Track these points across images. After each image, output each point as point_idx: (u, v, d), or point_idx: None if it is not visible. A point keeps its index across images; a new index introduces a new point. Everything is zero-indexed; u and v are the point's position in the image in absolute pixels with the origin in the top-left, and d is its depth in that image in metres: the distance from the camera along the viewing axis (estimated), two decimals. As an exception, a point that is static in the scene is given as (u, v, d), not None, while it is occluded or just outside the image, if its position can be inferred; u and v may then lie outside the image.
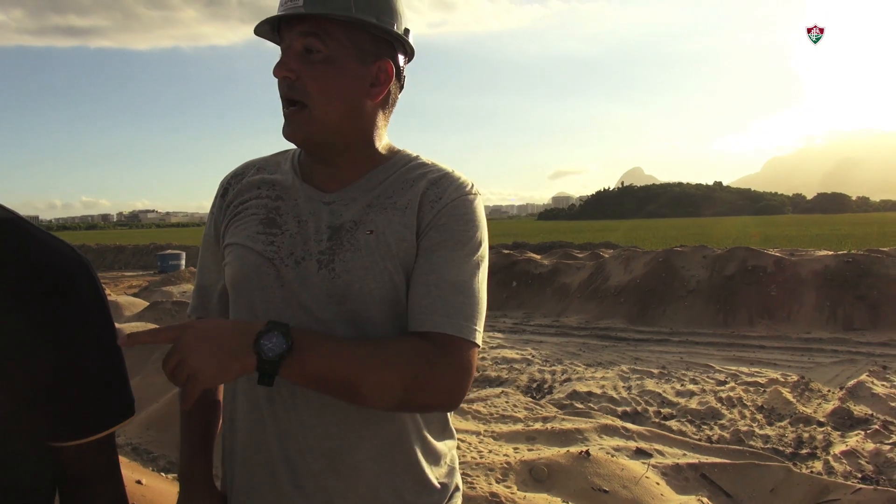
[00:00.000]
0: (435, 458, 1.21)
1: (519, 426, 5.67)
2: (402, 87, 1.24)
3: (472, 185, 1.21)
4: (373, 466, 1.14)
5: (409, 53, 1.23)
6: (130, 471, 4.34)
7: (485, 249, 1.18)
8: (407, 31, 1.19)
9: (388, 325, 1.13)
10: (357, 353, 1.03)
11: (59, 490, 1.07)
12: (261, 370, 0.97)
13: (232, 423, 1.23)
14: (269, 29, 1.17)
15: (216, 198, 1.31)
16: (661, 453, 5.07)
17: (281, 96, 1.15)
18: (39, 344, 0.96)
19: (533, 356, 9.18)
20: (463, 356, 1.08)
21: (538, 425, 5.62)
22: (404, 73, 1.23)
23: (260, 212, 1.22)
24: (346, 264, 1.12)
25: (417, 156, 1.25)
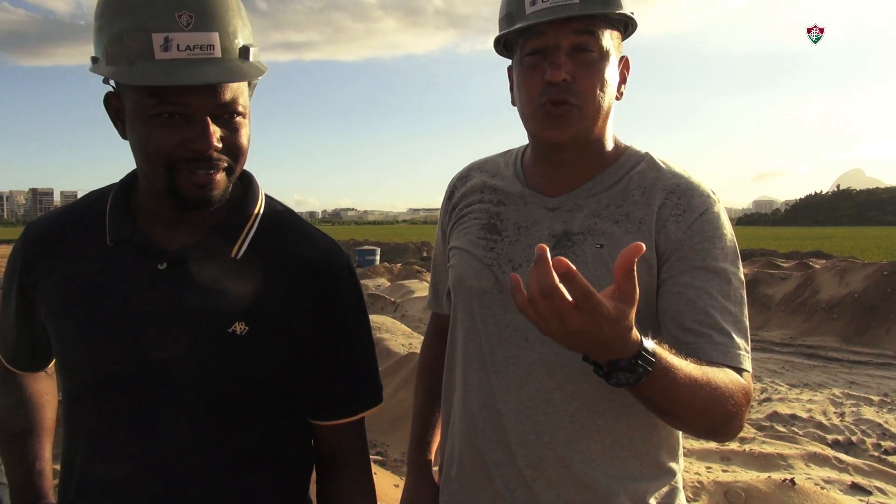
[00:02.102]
0: (655, 475, 1.14)
1: (712, 444, 5.33)
2: None
3: (712, 192, 1.13)
4: (585, 478, 1.10)
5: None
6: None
7: (739, 258, 1.12)
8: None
9: None
10: (697, 383, 0.95)
11: (315, 467, 1.18)
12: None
13: (451, 422, 1.26)
14: (506, 26, 1.12)
15: (444, 199, 1.35)
16: (882, 492, 4.48)
17: (545, 100, 1.07)
18: (314, 327, 1.07)
19: (728, 371, 8.57)
20: (751, 386, 1.04)
21: (734, 445, 5.24)
22: None
23: (482, 217, 1.22)
24: None
25: (646, 154, 1.18)
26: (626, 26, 1.14)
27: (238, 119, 0.98)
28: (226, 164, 0.98)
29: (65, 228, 1.09)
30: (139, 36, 0.88)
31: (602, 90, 1.09)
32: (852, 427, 6.22)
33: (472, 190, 1.28)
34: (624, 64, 1.14)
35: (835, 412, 6.68)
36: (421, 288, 16.46)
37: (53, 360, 1.17)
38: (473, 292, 1.18)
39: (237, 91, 0.96)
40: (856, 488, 4.47)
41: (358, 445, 1.16)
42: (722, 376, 0.99)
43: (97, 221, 1.07)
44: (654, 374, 0.87)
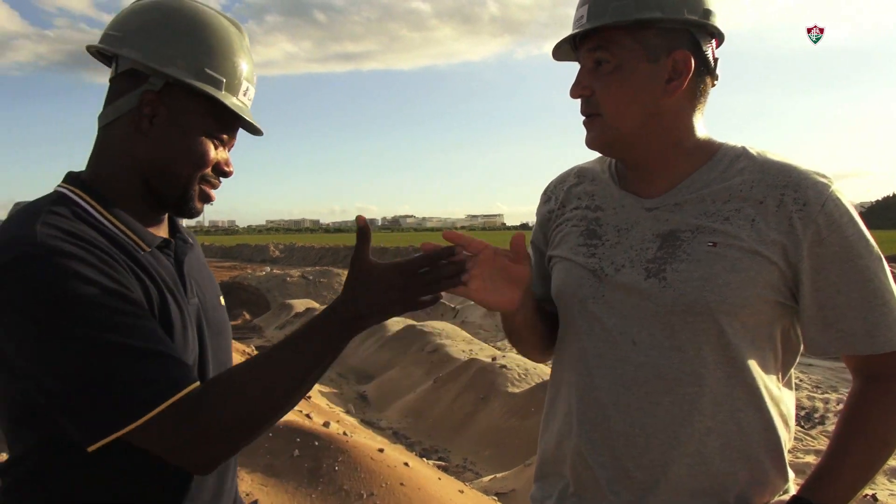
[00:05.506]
0: (763, 481, 1.10)
1: (787, 456, 5.12)
2: (713, 74, 1.14)
3: (824, 177, 1.08)
4: (693, 481, 1.08)
5: (718, 35, 1.13)
6: (398, 453, 4.76)
7: (868, 233, 1.09)
8: (707, 11, 1.09)
9: (714, 339, 1.07)
10: (867, 465, 1.08)
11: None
12: None
13: (554, 427, 1.24)
14: (569, 49, 1.18)
15: (540, 205, 1.36)
16: (973, 510, 4.22)
17: (581, 113, 1.16)
18: None
19: (801, 380, 8.23)
20: None
21: (809, 458, 5.04)
22: (714, 57, 1.13)
23: (581, 224, 1.22)
24: (681, 274, 1.08)
25: (743, 148, 1.15)
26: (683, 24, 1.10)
27: None
28: None
29: (98, 238, 0.98)
30: (235, 76, 1.09)
31: (625, 98, 1.10)
32: (939, 441, 5.88)
33: (569, 197, 1.28)
34: (675, 60, 1.09)
35: (919, 425, 6.32)
36: (480, 294, 16.38)
37: None
38: (577, 299, 1.18)
39: None
40: (944, 506, 4.22)
41: None
42: (878, 411, 1.08)
43: (103, 229, 1.00)
44: None
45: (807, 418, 6.79)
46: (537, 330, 1.27)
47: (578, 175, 1.30)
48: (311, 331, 1.00)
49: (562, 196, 1.29)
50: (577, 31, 1.12)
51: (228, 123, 1.09)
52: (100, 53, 1.09)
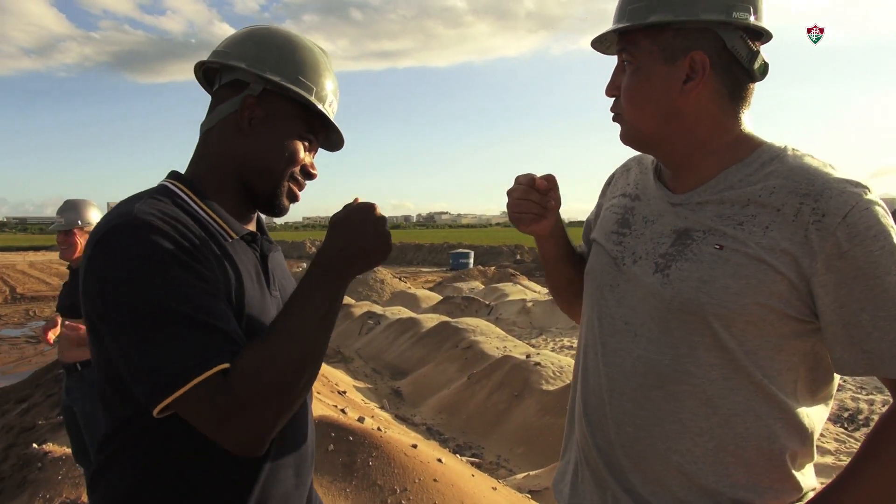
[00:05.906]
0: (766, 487, 1.07)
1: (828, 459, 5.01)
2: (751, 72, 1.09)
3: (858, 186, 1.01)
4: (684, 478, 1.08)
5: (751, 31, 1.09)
6: (432, 448, 4.78)
7: None
8: (730, 8, 1.06)
9: (709, 341, 1.06)
10: (880, 490, 1.01)
11: None
12: None
13: (576, 408, 1.28)
14: (612, 42, 1.20)
15: (604, 184, 1.42)
16: None
17: (610, 110, 1.21)
18: None
19: (845, 381, 8.01)
20: None
21: (852, 461, 4.90)
22: (752, 53, 1.08)
23: (619, 211, 1.27)
24: (682, 273, 1.08)
25: (783, 149, 1.10)
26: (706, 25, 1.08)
27: None
28: None
29: (189, 222, 1.07)
30: (323, 88, 1.21)
31: (640, 99, 1.12)
32: None
33: (623, 183, 1.33)
34: (692, 60, 1.08)
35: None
36: (515, 291, 16.38)
37: None
38: (597, 284, 1.23)
39: None
40: None
41: None
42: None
43: (196, 216, 1.10)
44: None
45: (850, 420, 6.61)
46: (567, 267, 1.38)
47: (639, 162, 1.34)
48: (306, 289, 1.05)
49: (620, 181, 1.35)
50: (603, 32, 1.17)
51: (316, 128, 1.22)
52: (204, 76, 1.25)
